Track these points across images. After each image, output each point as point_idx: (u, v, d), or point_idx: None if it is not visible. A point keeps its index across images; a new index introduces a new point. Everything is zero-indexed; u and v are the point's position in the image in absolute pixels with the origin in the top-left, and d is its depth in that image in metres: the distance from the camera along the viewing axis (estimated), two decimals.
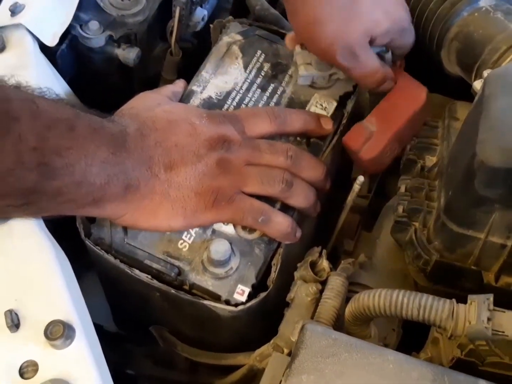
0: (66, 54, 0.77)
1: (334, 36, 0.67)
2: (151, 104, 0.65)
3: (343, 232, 0.79)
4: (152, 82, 0.89)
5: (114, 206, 0.58)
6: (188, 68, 0.91)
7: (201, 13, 0.87)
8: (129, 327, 0.82)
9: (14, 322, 0.52)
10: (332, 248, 0.78)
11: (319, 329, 0.53)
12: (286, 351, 0.60)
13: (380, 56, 0.72)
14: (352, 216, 0.78)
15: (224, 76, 0.74)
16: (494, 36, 0.68)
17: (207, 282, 0.62)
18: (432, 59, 0.77)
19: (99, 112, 0.63)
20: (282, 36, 0.77)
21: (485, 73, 0.63)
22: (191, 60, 0.91)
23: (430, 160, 0.71)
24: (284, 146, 0.66)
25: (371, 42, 0.69)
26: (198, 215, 0.62)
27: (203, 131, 0.62)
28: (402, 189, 0.70)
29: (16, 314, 0.53)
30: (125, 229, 0.63)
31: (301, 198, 0.66)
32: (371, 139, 0.70)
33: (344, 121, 0.72)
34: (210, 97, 0.72)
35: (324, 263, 0.67)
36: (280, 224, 0.64)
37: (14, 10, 0.72)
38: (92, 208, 0.57)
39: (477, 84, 0.64)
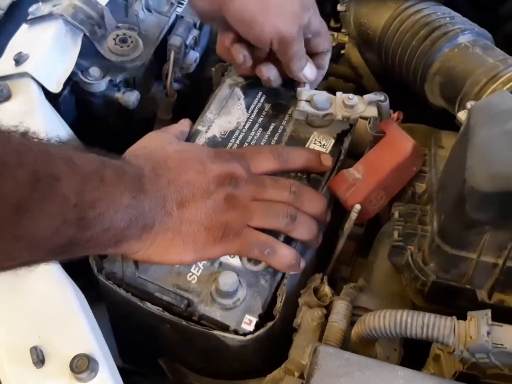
0: (68, 99, 0.81)
1: (282, 11, 0.73)
2: (162, 143, 0.68)
3: (339, 259, 0.82)
4: (148, 122, 0.93)
5: (130, 245, 0.60)
6: (182, 108, 0.95)
7: (193, 56, 0.91)
8: (136, 360, 0.83)
9: (39, 358, 0.54)
10: (329, 274, 0.82)
11: (331, 350, 0.56)
12: (297, 374, 0.63)
13: (378, 105, 0.75)
14: (348, 243, 0.81)
15: (228, 116, 0.77)
16: (474, 70, 0.73)
17: (215, 313, 0.64)
18: (415, 93, 0.82)
19: (100, 150, 0.64)
20: None
21: (468, 104, 0.67)
22: (184, 100, 0.95)
23: (420, 186, 0.75)
24: (287, 182, 0.70)
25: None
26: (208, 249, 0.64)
27: (212, 169, 0.65)
28: (396, 215, 0.73)
29: (40, 350, 0.55)
30: (136, 263, 0.66)
31: (305, 231, 0.69)
32: (355, 186, 0.72)
33: (341, 157, 0.76)
34: (215, 136, 0.76)
35: (326, 289, 0.70)
36: (285, 256, 0.67)
37: (19, 60, 0.75)
38: (111, 248, 0.59)
39: (461, 115, 0.69)
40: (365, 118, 0.76)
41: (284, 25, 0.73)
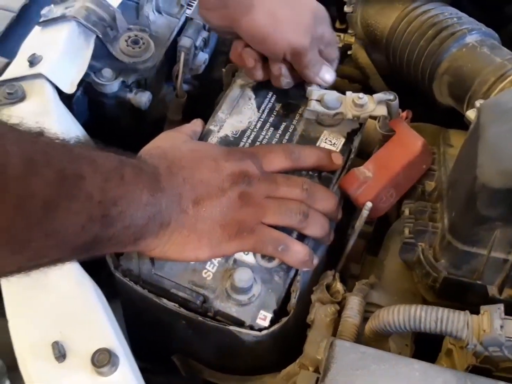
0: (81, 100, 0.82)
1: (294, 25, 0.75)
2: (176, 143, 0.70)
3: (349, 256, 0.83)
4: (158, 123, 0.94)
5: (148, 242, 0.61)
6: (192, 108, 0.96)
7: (203, 57, 0.92)
8: (148, 358, 0.84)
9: (61, 353, 0.55)
10: (339, 272, 0.83)
11: (347, 344, 0.57)
12: (311, 369, 0.64)
13: (387, 104, 0.76)
14: (358, 241, 0.82)
15: (239, 116, 0.79)
16: (482, 69, 0.75)
17: (231, 308, 0.65)
18: (423, 92, 0.83)
19: (116, 149, 0.65)
20: None
21: (477, 103, 0.69)
22: (194, 100, 0.96)
23: (429, 184, 0.76)
24: (300, 180, 0.71)
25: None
26: (223, 246, 0.65)
27: (225, 167, 0.66)
28: (406, 212, 0.75)
29: (62, 345, 0.56)
30: (152, 260, 0.67)
31: (317, 228, 0.70)
32: (366, 183, 0.74)
33: (352, 156, 0.77)
34: (227, 136, 0.77)
35: (339, 286, 0.71)
36: (298, 253, 0.68)
37: (33, 61, 0.77)
38: (131, 246, 0.60)
39: (470, 114, 0.70)
40: (375, 118, 0.78)
41: (296, 38, 0.75)
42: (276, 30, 0.74)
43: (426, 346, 0.70)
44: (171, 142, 0.70)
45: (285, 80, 0.80)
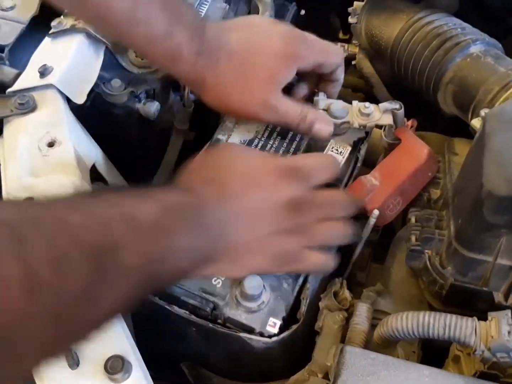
0: (91, 110, 0.83)
1: (246, 100, 0.73)
2: (227, 161, 0.66)
3: (355, 264, 0.84)
4: (165, 133, 0.95)
5: (191, 275, 0.61)
6: (199, 118, 0.97)
7: None
8: (156, 366, 0.85)
9: (74, 360, 0.56)
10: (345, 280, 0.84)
11: (358, 351, 0.58)
12: (320, 375, 0.65)
13: (393, 113, 0.77)
14: (364, 249, 0.83)
15: (247, 125, 0.79)
16: (486, 78, 0.76)
17: (240, 316, 0.66)
18: (428, 102, 0.85)
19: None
20: None
21: (482, 112, 0.70)
22: (201, 110, 0.97)
23: (435, 192, 0.77)
24: (337, 194, 0.71)
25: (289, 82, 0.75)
26: (269, 271, 0.67)
27: (279, 195, 0.63)
28: (413, 220, 0.75)
29: (75, 352, 0.56)
30: None
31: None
32: (373, 191, 0.75)
33: (358, 165, 0.78)
34: None
35: (346, 293, 0.72)
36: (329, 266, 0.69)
37: (44, 72, 0.78)
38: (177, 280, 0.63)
39: (475, 122, 0.71)
40: (381, 127, 0.79)
41: (251, 112, 0.75)
42: (228, 108, 0.76)
43: (432, 353, 0.71)
44: (221, 161, 0.67)
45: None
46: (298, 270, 0.68)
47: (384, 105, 0.78)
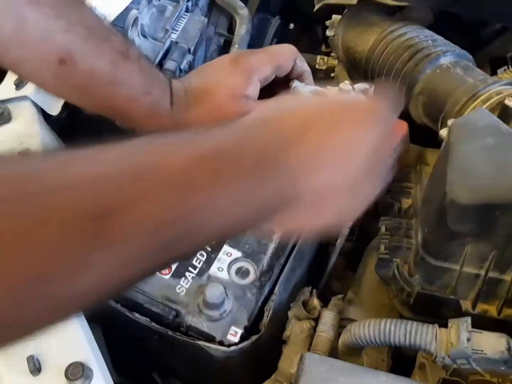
0: (67, 122, 0.83)
1: None
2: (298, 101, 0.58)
3: (330, 274, 0.84)
4: None
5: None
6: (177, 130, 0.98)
7: None
8: (131, 375, 0.85)
9: (36, 366, 0.56)
10: (321, 289, 0.84)
11: (317, 357, 0.58)
12: None
13: (365, 93, 0.79)
14: (338, 258, 0.84)
15: None
16: (455, 89, 0.77)
17: (202, 324, 0.66)
18: (400, 112, 0.85)
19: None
20: None
21: (449, 122, 0.71)
22: None
23: (406, 202, 0.78)
24: None
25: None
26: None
27: (368, 138, 0.53)
28: (383, 229, 0.76)
29: (37, 359, 0.57)
30: None
31: None
32: None
33: None
34: None
35: (315, 302, 0.73)
36: None
37: (19, 84, 0.79)
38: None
39: (443, 132, 0.72)
40: None
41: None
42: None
43: (402, 362, 0.71)
44: (292, 104, 0.55)
45: None
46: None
47: (359, 85, 0.80)
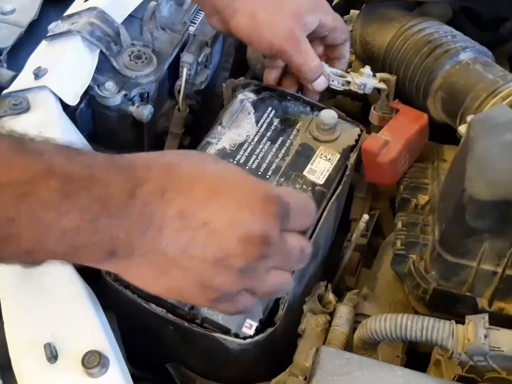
0: (85, 112, 0.84)
1: (274, 27, 0.78)
2: (206, 160, 0.53)
3: (345, 269, 0.84)
4: (160, 137, 0.96)
5: (95, 264, 0.49)
6: (193, 123, 0.98)
7: (205, 73, 0.94)
8: (144, 366, 0.85)
9: (52, 354, 0.56)
10: (335, 284, 0.84)
11: (333, 351, 0.58)
12: (301, 378, 0.65)
13: (387, 82, 0.85)
14: (353, 254, 0.83)
15: (238, 129, 0.80)
16: (474, 85, 0.76)
17: (217, 316, 0.66)
18: (418, 108, 0.85)
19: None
20: (289, 95, 0.85)
21: (469, 118, 0.70)
22: (196, 115, 0.99)
23: (423, 198, 0.78)
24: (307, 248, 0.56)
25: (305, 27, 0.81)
26: (191, 302, 0.59)
27: (247, 220, 0.49)
28: (399, 225, 0.76)
29: (54, 346, 0.57)
30: None
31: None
32: (387, 145, 0.80)
33: (347, 173, 0.78)
34: (224, 148, 0.78)
35: (331, 296, 0.73)
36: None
37: (38, 74, 0.79)
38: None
39: (462, 128, 0.72)
40: (378, 91, 0.86)
41: (278, 40, 0.79)
42: (256, 33, 0.79)
43: (417, 358, 0.71)
44: (192, 159, 0.52)
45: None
46: (225, 311, 0.55)
47: (380, 74, 0.86)
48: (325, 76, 0.84)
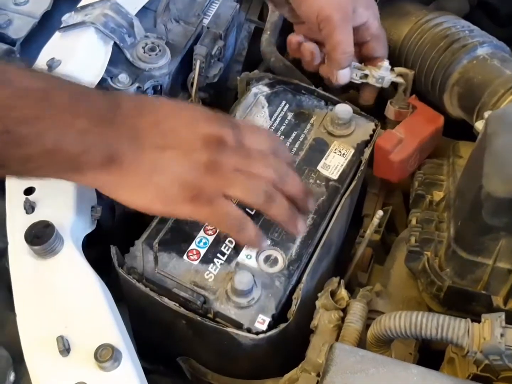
0: None
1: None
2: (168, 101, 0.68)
3: (357, 265, 0.84)
4: None
5: (93, 175, 0.59)
6: None
7: (218, 66, 0.93)
8: (155, 359, 0.85)
9: (65, 347, 0.56)
10: (347, 280, 0.83)
11: (347, 348, 0.57)
12: (313, 374, 0.64)
13: (405, 76, 0.84)
14: (366, 250, 0.83)
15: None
16: (492, 81, 0.75)
17: (230, 311, 0.66)
18: (434, 103, 0.84)
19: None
20: (304, 89, 0.85)
21: (486, 114, 0.69)
22: (208, 108, 0.98)
23: (438, 194, 0.77)
24: (273, 161, 0.66)
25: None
26: (177, 206, 0.62)
27: (203, 127, 0.62)
28: (413, 221, 0.75)
29: (67, 339, 0.57)
30: (156, 258, 0.68)
31: (280, 211, 0.65)
32: (401, 143, 0.80)
33: (361, 168, 0.77)
34: None
35: (343, 292, 0.72)
36: (250, 236, 0.65)
37: (52, 65, 0.78)
38: (71, 174, 0.59)
39: (479, 124, 0.71)
40: (395, 85, 0.86)
41: (329, 7, 0.78)
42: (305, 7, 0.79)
43: (430, 356, 0.70)
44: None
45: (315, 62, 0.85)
46: (208, 218, 0.64)
47: (398, 68, 0.85)
48: (351, 70, 0.83)
